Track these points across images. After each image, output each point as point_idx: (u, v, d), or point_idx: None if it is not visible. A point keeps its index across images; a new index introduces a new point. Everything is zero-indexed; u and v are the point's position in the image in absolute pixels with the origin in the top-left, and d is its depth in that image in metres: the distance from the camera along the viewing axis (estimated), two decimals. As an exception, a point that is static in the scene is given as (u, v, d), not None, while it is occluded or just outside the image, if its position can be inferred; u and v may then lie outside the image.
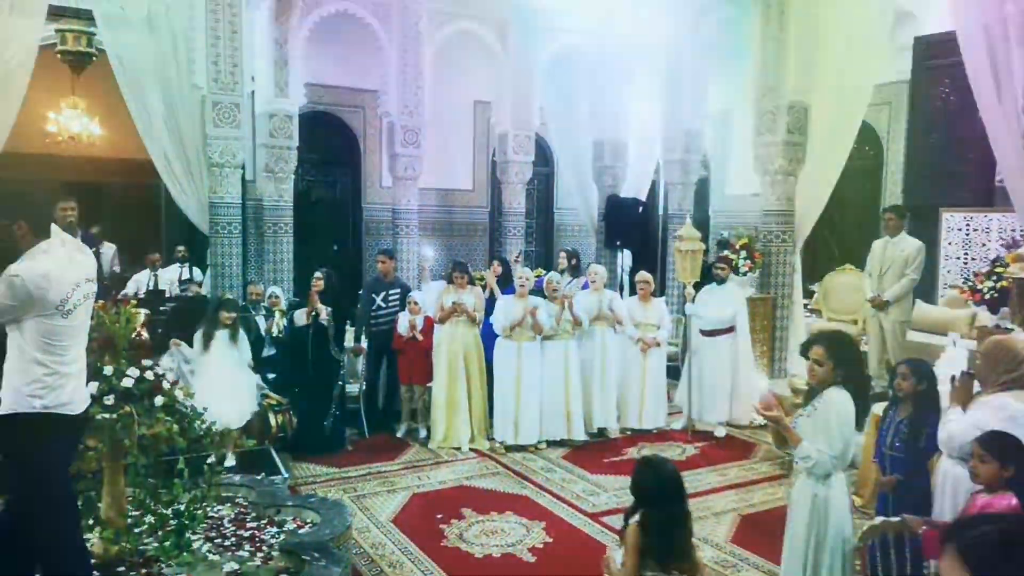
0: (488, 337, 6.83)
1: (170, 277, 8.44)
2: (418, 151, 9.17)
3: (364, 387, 7.11)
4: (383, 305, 7.23)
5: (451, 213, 11.46)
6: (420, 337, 6.80)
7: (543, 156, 11.84)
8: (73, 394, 3.08)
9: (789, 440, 3.32)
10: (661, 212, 11.39)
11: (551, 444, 6.77)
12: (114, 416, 3.59)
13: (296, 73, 8.31)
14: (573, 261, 8.07)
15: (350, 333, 7.30)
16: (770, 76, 8.43)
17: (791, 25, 8.33)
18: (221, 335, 5.78)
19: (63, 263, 3.07)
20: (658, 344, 7.21)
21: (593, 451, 6.67)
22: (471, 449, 6.63)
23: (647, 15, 9.58)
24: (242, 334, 5.87)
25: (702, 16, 9.50)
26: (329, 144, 10.58)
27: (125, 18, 7.32)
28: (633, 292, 7.65)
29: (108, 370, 3.67)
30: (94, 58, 8.11)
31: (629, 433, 7.15)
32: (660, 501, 2.81)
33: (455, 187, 11.48)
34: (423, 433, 6.92)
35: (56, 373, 3.00)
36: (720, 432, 7.16)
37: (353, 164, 10.87)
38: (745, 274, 7.94)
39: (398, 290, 7.35)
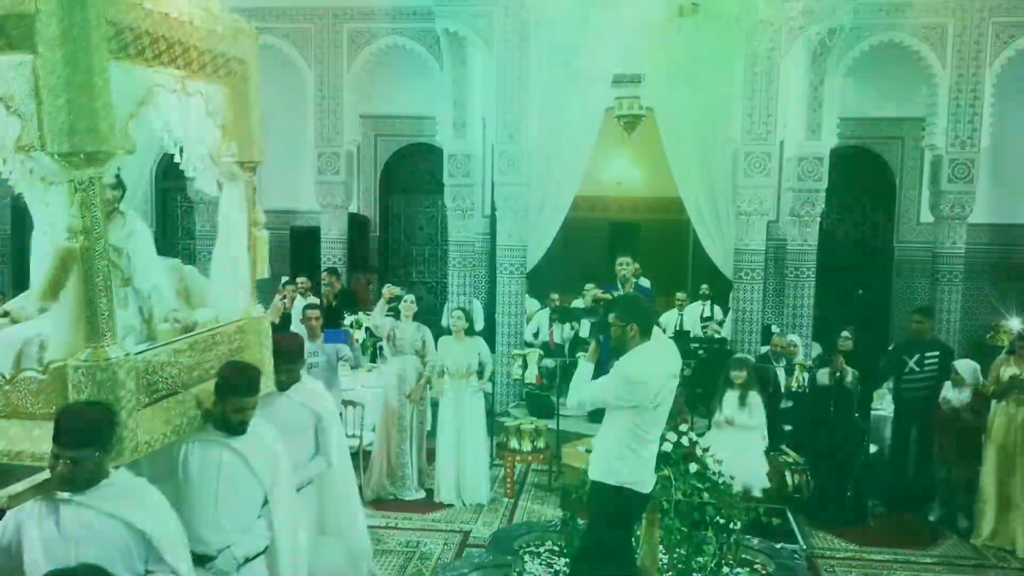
0: None
1: (694, 316, 8.95)
2: (970, 187, 8.03)
3: (888, 454, 6.46)
4: (916, 369, 6.45)
5: (1010, 254, 9.65)
6: (968, 417, 5.88)
7: None
8: (648, 474, 3.54)
9: None
10: None
11: None
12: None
13: (830, 113, 8.01)
14: None
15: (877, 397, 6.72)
16: None
17: None
18: (731, 395, 5.86)
19: (657, 363, 3.51)
20: None
21: None
22: (1030, 558, 5.48)
23: None
24: (753, 396, 5.85)
25: None
26: (858, 181, 9.93)
27: (671, 79, 8.02)
28: None
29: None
30: (643, 118, 9.09)
31: None
32: None
33: (1018, 222, 9.65)
34: (963, 523, 5.98)
35: (638, 455, 3.48)
36: None
37: (885, 201, 10.01)
38: None
39: (937, 353, 6.47)
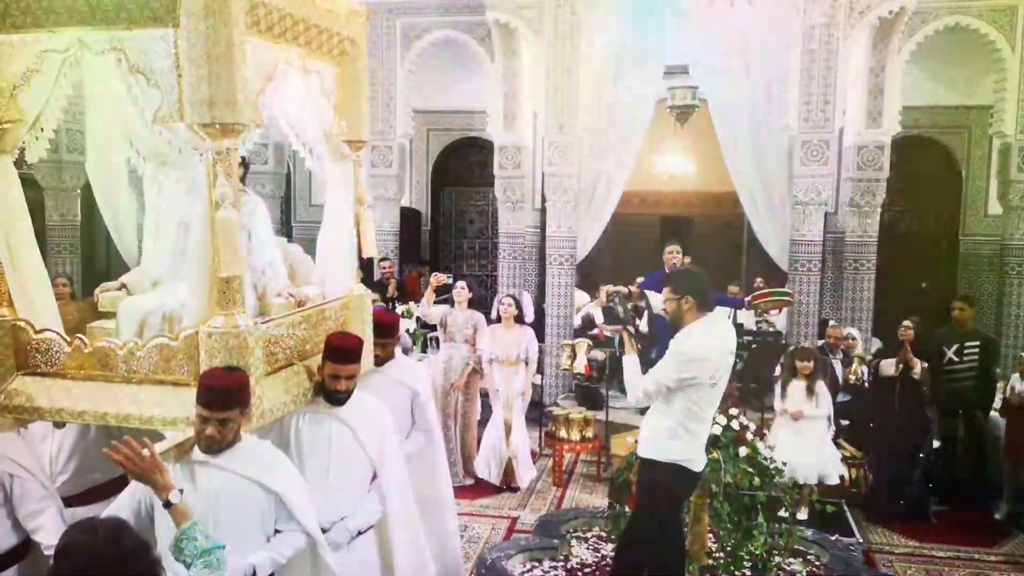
0: None
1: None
2: (1041, 175, 7.69)
3: (940, 450, 6.20)
4: (955, 359, 6.17)
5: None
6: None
7: None
8: (699, 453, 3.45)
9: None
10: None
11: None
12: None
13: (891, 100, 7.76)
14: None
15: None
16: None
17: None
18: (797, 385, 5.69)
19: (715, 339, 3.40)
20: None
21: None
22: (1104, 559, 5.21)
23: None
24: (820, 385, 5.68)
25: None
26: (922, 171, 9.61)
27: (725, 70, 7.90)
28: None
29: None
30: (696, 108, 8.97)
31: None
32: None
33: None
34: (1032, 522, 5.73)
35: (692, 435, 3.39)
36: None
37: (950, 192, 9.66)
38: None
39: (977, 343, 6.18)
